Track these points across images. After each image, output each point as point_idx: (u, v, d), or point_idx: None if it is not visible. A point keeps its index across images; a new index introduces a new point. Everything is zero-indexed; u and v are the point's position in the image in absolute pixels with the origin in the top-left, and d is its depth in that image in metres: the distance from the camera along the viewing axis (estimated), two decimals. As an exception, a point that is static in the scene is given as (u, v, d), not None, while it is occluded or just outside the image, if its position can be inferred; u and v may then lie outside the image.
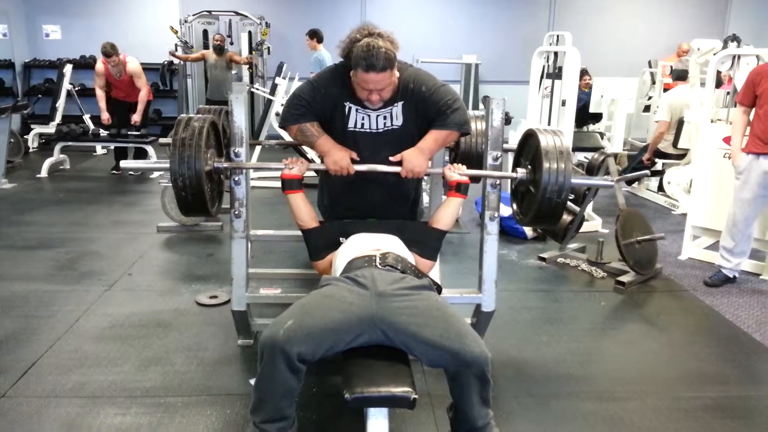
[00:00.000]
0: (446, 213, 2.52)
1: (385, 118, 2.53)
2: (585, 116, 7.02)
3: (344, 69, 2.48)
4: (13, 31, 9.33)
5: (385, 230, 2.49)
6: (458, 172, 2.49)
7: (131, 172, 6.93)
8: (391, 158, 2.49)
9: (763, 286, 3.95)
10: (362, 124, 2.53)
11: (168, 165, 2.29)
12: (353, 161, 2.49)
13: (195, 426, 2.31)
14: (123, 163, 2.63)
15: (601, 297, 3.73)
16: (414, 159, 2.47)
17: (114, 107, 6.89)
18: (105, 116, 6.84)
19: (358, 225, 2.54)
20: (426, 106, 2.52)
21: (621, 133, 6.47)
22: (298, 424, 2.15)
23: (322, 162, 2.53)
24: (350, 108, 2.51)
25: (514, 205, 2.69)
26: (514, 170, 2.57)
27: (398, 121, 2.54)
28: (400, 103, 2.52)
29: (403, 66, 2.51)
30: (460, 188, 2.50)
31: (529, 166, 2.50)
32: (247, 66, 8.54)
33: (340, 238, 2.48)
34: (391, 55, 2.31)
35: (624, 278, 3.84)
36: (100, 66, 6.67)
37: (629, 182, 6.23)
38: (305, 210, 2.50)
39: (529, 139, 2.52)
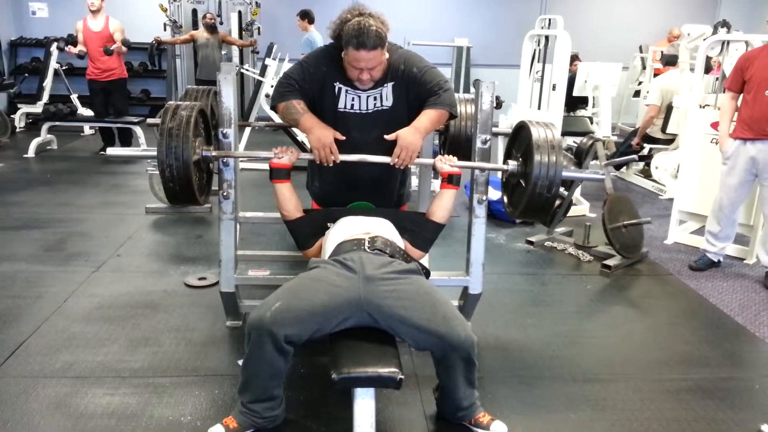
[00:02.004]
0: (440, 205, 2.50)
1: (375, 99, 2.52)
2: (572, 100, 7.02)
3: (334, 50, 2.48)
4: (-2, 8, 9.19)
5: (379, 217, 2.49)
6: (449, 164, 2.47)
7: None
8: (386, 137, 2.42)
9: (747, 270, 4.00)
10: (352, 105, 2.52)
11: (156, 152, 2.27)
12: (340, 145, 2.42)
13: (183, 406, 2.33)
14: (110, 150, 2.59)
15: (587, 280, 3.77)
16: (410, 137, 2.40)
17: (91, 91, 6.83)
18: (76, 49, 6.71)
19: (346, 213, 2.53)
20: (417, 87, 2.52)
21: (608, 118, 6.48)
22: (286, 404, 2.18)
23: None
24: (340, 88, 2.50)
25: (505, 198, 2.69)
26: (505, 162, 2.56)
27: (388, 102, 2.54)
28: (389, 84, 2.51)
29: (393, 47, 2.51)
30: (451, 179, 2.47)
31: (521, 159, 2.49)
32: (249, 47, 8.40)
33: (328, 224, 2.48)
34: (382, 33, 2.30)
35: (610, 262, 3.87)
36: (80, 22, 6.64)
37: (617, 167, 6.26)
38: (291, 200, 2.47)
39: (521, 131, 2.52)
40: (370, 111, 2.53)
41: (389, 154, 2.44)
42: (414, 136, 2.41)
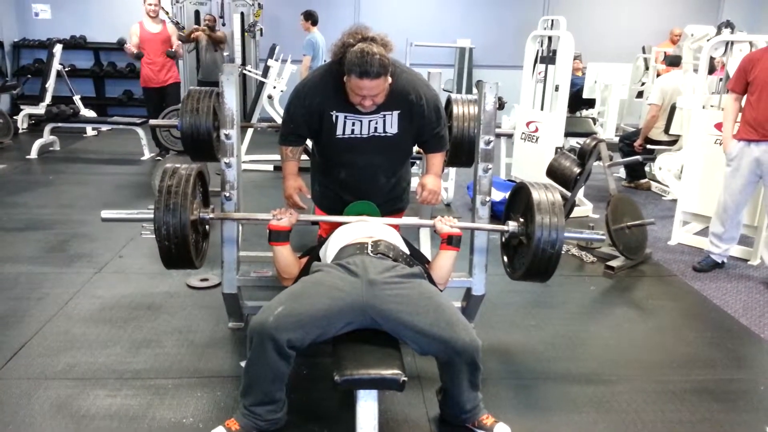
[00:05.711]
0: (438, 265, 2.38)
1: (376, 123, 2.48)
2: (578, 102, 7.01)
3: (330, 75, 2.44)
4: (1, 9, 9.19)
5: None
6: (449, 224, 2.40)
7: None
8: (417, 197, 2.67)
9: (751, 271, 3.98)
10: (352, 131, 2.48)
11: (152, 215, 2.22)
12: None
13: (185, 408, 2.32)
14: (104, 214, 2.45)
15: (591, 281, 3.75)
16: (435, 186, 2.66)
17: (147, 95, 6.93)
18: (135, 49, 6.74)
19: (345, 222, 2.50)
20: (423, 121, 2.54)
21: (614, 119, 6.46)
22: (288, 405, 2.17)
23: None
24: (337, 117, 2.46)
25: (505, 258, 2.65)
26: (504, 223, 2.52)
27: (392, 129, 2.50)
28: (396, 113, 2.47)
29: (398, 70, 2.44)
30: (451, 241, 2.37)
31: (521, 219, 2.46)
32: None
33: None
34: (385, 61, 2.25)
35: (613, 263, 3.86)
36: (135, 25, 6.76)
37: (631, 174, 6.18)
38: (291, 264, 2.38)
39: (520, 192, 2.49)
40: (371, 135, 2.50)
41: (392, 179, 2.63)
42: (437, 182, 2.68)
